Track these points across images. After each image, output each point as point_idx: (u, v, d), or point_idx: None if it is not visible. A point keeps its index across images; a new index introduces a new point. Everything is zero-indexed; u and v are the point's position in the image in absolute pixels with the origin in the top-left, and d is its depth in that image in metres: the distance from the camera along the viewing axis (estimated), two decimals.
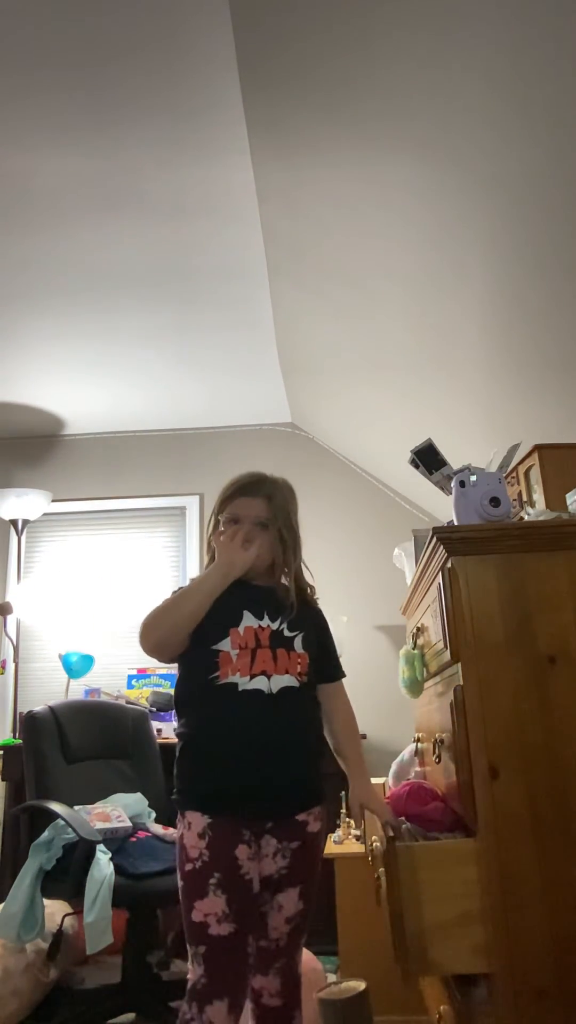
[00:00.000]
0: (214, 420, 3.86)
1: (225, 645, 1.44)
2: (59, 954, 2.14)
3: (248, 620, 1.47)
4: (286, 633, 1.49)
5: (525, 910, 1.18)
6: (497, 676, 1.29)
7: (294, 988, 1.44)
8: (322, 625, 1.60)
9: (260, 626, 1.47)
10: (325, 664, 1.56)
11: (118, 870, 1.96)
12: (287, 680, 1.43)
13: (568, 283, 1.70)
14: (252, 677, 1.41)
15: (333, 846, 2.37)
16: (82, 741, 2.39)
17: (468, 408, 2.63)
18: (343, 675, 1.62)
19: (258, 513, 1.54)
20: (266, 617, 1.49)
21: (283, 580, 1.57)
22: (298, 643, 1.49)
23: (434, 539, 1.42)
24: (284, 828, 1.40)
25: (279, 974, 1.42)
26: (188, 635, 1.47)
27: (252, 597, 1.51)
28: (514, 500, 1.80)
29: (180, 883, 1.36)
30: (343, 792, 2.66)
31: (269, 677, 1.42)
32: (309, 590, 1.60)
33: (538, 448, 1.74)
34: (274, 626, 1.48)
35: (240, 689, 1.40)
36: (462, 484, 1.44)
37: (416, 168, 1.75)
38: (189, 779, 1.43)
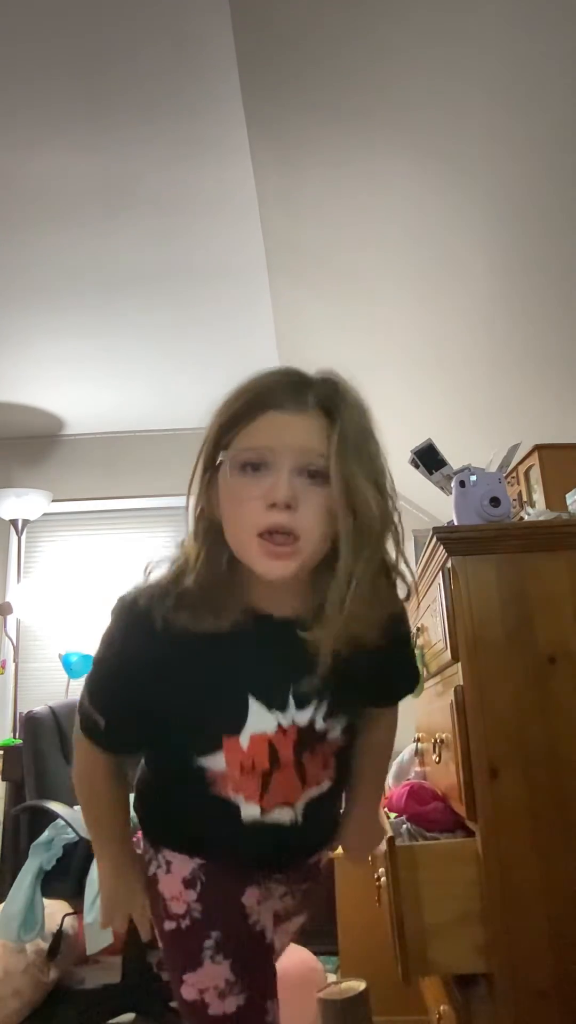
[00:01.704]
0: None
1: (216, 762, 0.88)
2: (59, 954, 2.14)
3: (257, 718, 0.87)
4: (319, 726, 0.90)
5: (525, 910, 1.18)
6: (497, 676, 1.29)
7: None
8: (394, 646, 0.91)
9: (280, 727, 0.87)
10: (381, 695, 1.02)
11: None
12: (316, 789, 0.93)
13: (568, 283, 1.70)
14: (266, 810, 0.90)
15: None
16: None
17: (468, 408, 2.63)
18: (410, 690, 1.05)
19: (303, 446, 0.79)
20: (291, 704, 0.87)
21: (354, 613, 0.80)
22: (335, 733, 0.92)
23: (434, 539, 1.41)
24: (295, 873, 1.01)
25: None
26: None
27: (266, 655, 0.86)
28: (514, 500, 1.80)
29: (160, 944, 0.95)
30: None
31: (293, 804, 0.91)
32: (400, 603, 0.92)
33: (538, 448, 1.73)
34: (302, 719, 0.88)
35: (245, 816, 0.89)
36: (462, 484, 1.44)
37: (416, 168, 1.75)
38: (163, 817, 0.98)
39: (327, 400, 0.83)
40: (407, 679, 1.05)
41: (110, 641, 0.89)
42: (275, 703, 0.87)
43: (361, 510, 0.78)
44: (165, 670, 0.85)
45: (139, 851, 0.99)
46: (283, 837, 0.91)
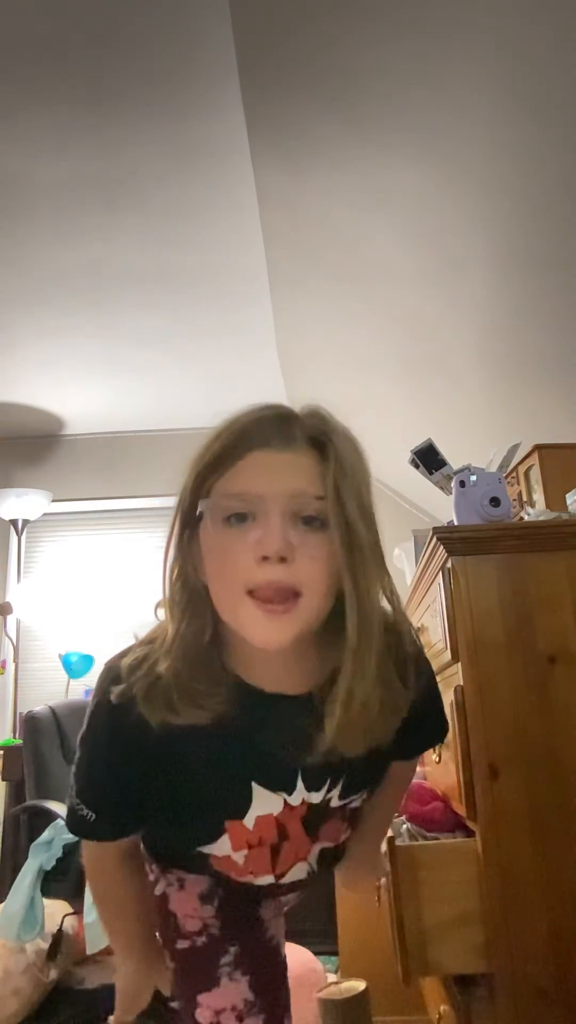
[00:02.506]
0: (214, 420, 3.83)
1: (221, 848, 0.82)
2: (59, 954, 2.14)
3: (262, 802, 0.79)
4: (334, 803, 0.83)
5: (525, 910, 1.18)
6: (497, 676, 1.29)
7: None
8: (421, 702, 0.81)
9: (288, 804, 0.80)
10: (407, 747, 0.88)
11: None
12: (333, 842, 0.89)
13: (568, 282, 1.70)
14: (281, 876, 0.86)
15: None
16: None
17: (468, 408, 2.63)
18: (433, 745, 1.01)
19: (295, 491, 0.68)
20: (300, 786, 0.80)
21: (357, 673, 0.69)
22: (354, 805, 0.87)
23: (434, 539, 1.41)
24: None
25: None
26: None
27: (267, 738, 0.76)
28: (514, 500, 1.80)
29: (169, 962, 0.88)
30: None
31: (307, 858, 0.87)
32: (413, 642, 0.79)
33: (538, 448, 1.74)
34: (313, 799, 0.81)
35: (264, 888, 0.87)
36: (462, 484, 1.44)
37: (416, 168, 1.75)
38: (172, 861, 0.93)
39: (317, 433, 0.71)
40: (438, 734, 0.96)
41: (93, 734, 0.79)
42: (281, 786, 0.79)
43: (362, 549, 0.68)
44: (155, 765, 0.76)
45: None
46: (302, 885, 0.91)
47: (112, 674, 0.75)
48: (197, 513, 0.70)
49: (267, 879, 0.85)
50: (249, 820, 0.79)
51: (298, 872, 0.86)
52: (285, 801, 0.80)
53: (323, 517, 0.67)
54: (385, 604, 0.72)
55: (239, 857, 0.82)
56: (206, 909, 0.86)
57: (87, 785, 0.82)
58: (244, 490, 0.68)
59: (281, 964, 0.89)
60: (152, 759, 0.76)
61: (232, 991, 0.82)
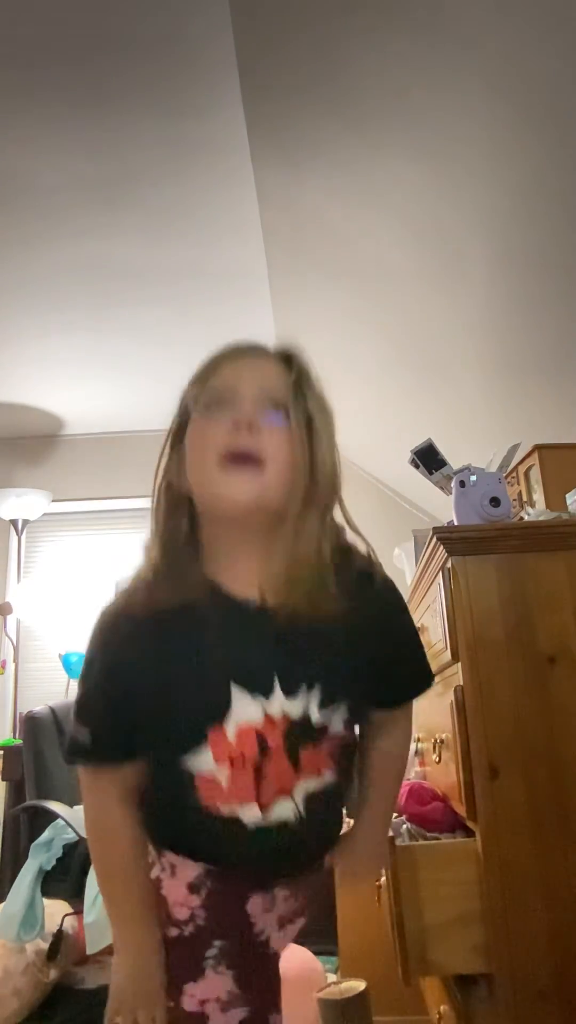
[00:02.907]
0: None
1: (203, 762, 0.82)
2: (59, 954, 2.14)
3: (242, 706, 0.82)
4: (315, 719, 0.84)
5: (525, 910, 1.18)
6: (497, 676, 1.29)
7: None
8: (388, 628, 0.91)
9: (267, 716, 0.82)
10: (388, 687, 0.94)
11: None
12: (317, 782, 0.87)
13: (568, 282, 1.70)
14: (265, 807, 0.83)
15: None
16: None
17: (468, 408, 2.63)
18: (423, 688, 0.98)
19: (263, 386, 0.81)
20: (277, 690, 0.82)
21: (298, 549, 0.80)
22: (337, 724, 0.87)
23: (434, 539, 1.41)
24: (296, 888, 0.95)
25: None
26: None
27: (242, 639, 0.83)
28: (514, 500, 1.80)
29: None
30: None
31: (292, 792, 0.85)
32: (365, 559, 0.88)
33: (538, 448, 1.73)
34: (293, 710, 0.83)
35: (249, 825, 0.84)
36: (462, 484, 1.44)
37: (416, 168, 1.75)
38: (167, 829, 0.90)
39: (286, 350, 0.86)
40: (421, 678, 0.97)
41: (90, 658, 0.87)
42: (258, 688, 0.81)
43: (322, 453, 0.81)
44: (142, 663, 0.83)
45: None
46: (292, 838, 0.86)
47: (104, 607, 0.86)
48: (185, 414, 0.84)
49: (253, 812, 0.83)
50: (230, 729, 0.81)
51: (284, 810, 0.84)
52: (265, 711, 0.82)
53: (287, 406, 0.80)
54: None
55: (223, 776, 0.82)
56: (193, 899, 0.87)
57: (84, 702, 0.87)
58: (221, 384, 0.82)
59: (270, 962, 0.90)
60: (137, 657, 0.82)
61: (217, 983, 0.84)
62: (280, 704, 0.82)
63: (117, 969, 0.87)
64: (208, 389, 0.83)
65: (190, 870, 0.87)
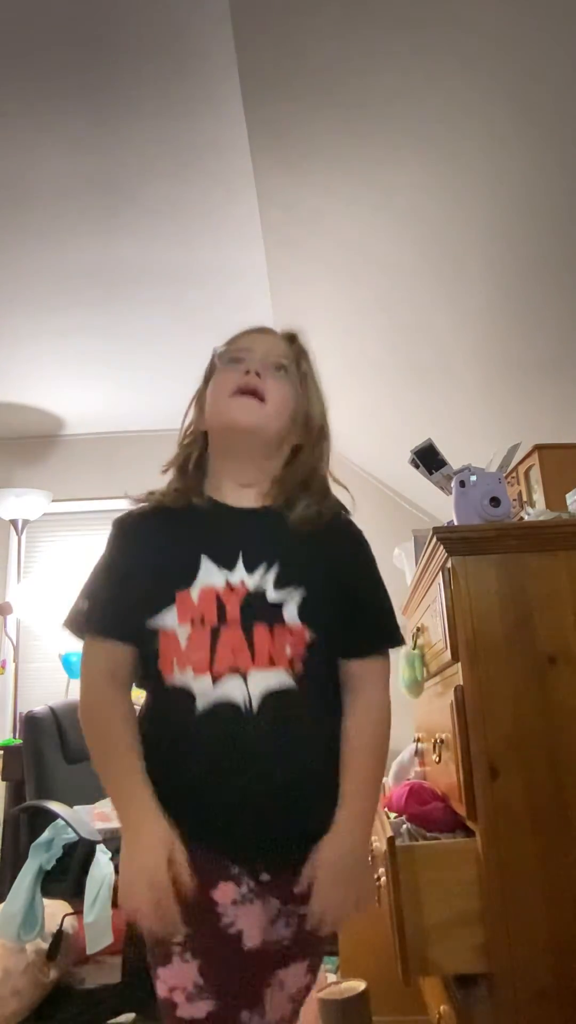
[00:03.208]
0: None
1: (169, 619, 0.91)
2: (59, 954, 2.14)
3: (208, 574, 0.93)
4: (270, 595, 0.93)
5: (525, 910, 1.18)
6: (497, 676, 1.29)
7: None
8: (349, 566, 1.01)
9: (228, 584, 0.92)
10: (354, 627, 0.98)
11: (118, 870, 1.96)
12: (275, 678, 0.90)
13: (568, 282, 1.70)
14: (217, 679, 0.89)
15: None
16: (82, 741, 2.36)
17: (468, 408, 2.63)
18: (389, 642, 1.01)
19: (270, 350, 1.03)
20: (239, 565, 0.93)
21: (292, 476, 1.01)
22: (290, 612, 0.93)
23: (434, 539, 1.42)
24: (285, 883, 0.92)
25: None
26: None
27: (218, 527, 0.97)
28: (514, 500, 1.80)
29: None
30: None
31: (245, 677, 0.90)
32: (324, 495, 1.02)
33: (538, 448, 1.73)
34: (251, 581, 0.93)
35: (199, 704, 0.89)
36: (462, 484, 1.44)
37: (416, 168, 1.75)
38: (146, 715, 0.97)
39: (291, 331, 1.10)
40: (385, 632, 1.02)
41: (104, 550, 1.04)
42: (224, 560, 0.94)
43: (312, 404, 1.04)
44: (139, 547, 1.00)
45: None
46: (238, 728, 0.88)
47: (121, 513, 1.06)
48: (210, 372, 1.07)
49: (204, 682, 0.89)
50: (195, 592, 0.92)
51: (232, 688, 0.89)
52: (227, 580, 0.93)
53: (287, 365, 1.03)
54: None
55: (183, 637, 0.91)
56: None
57: (90, 579, 1.03)
58: (240, 345, 1.06)
59: (245, 955, 0.86)
60: (137, 546, 1.00)
61: (183, 971, 0.84)
62: (240, 576, 0.94)
63: (134, 827, 0.89)
64: (229, 350, 1.05)
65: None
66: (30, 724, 2.32)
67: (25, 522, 3.61)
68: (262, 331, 1.09)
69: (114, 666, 0.97)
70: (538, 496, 1.70)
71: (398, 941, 1.21)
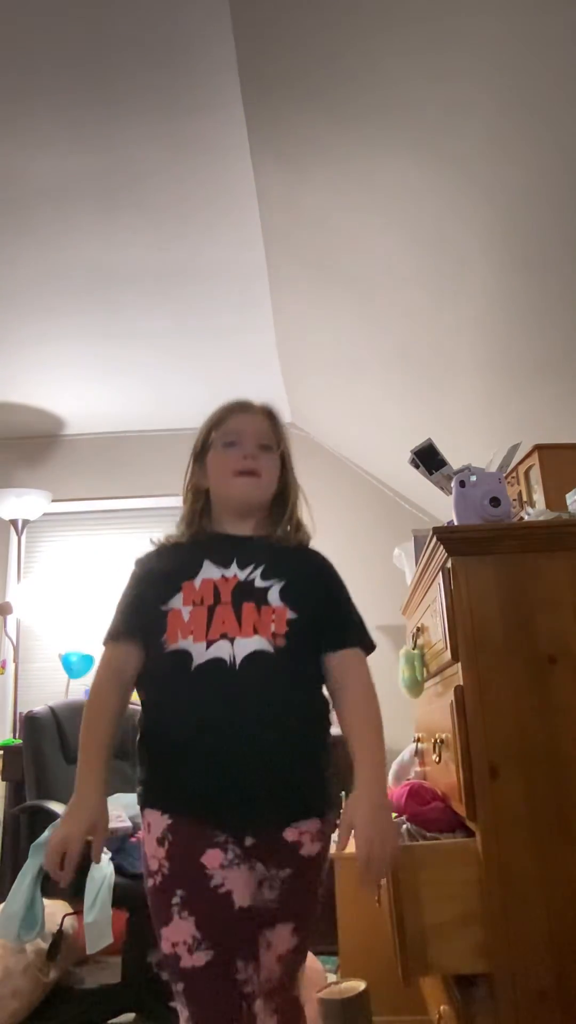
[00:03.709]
0: None
1: (176, 602, 1.15)
2: (59, 954, 2.14)
3: (208, 571, 1.17)
4: (258, 583, 1.16)
5: (525, 910, 1.18)
6: (497, 676, 1.29)
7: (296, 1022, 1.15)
8: (322, 573, 1.25)
9: (223, 576, 1.16)
10: (328, 625, 1.19)
11: (118, 870, 1.96)
12: (256, 643, 1.10)
13: (568, 282, 1.70)
14: (210, 644, 1.10)
15: (333, 846, 2.37)
16: None
17: (468, 408, 2.63)
18: (360, 642, 1.21)
19: (260, 430, 1.25)
20: (234, 565, 1.18)
21: (280, 523, 1.28)
22: (274, 595, 1.15)
23: (434, 539, 1.42)
24: (269, 849, 1.08)
25: (275, 1014, 1.10)
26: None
27: (219, 545, 1.22)
28: (514, 500, 1.80)
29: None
30: (343, 792, 2.66)
31: (232, 641, 1.10)
32: (302, 531, 1.29)
33: (538, 448, 1.74)
34: (242, 575, 1.17)
35: (195, 661, 1.10)
36: (462, 484, 1.44)
37: (416, 168, 1.75)
38: (146, 769, 1.14)
39: (269, 409, 1.31)
40: (355, 631, 1.23)
41: (127, 580, 1.27)
42: (222, 563, 1.19)
43: (288, 465, 1.29)
44: (156, 567, 1.24)
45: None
46: (224, 679, 1.09)
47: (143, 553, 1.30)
48: (207, 445, 1.28)
49: (199, 647, 1.11)
50: (197, 582, 1.17)
51: (220, 649, 1.10)
52: (223, 574, 1.18)
53: (272, 445, 1.26)
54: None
55: (187, 613, 1.14)
56: (160, 851, 1.05)
57: (120, 601, 1.25)
58: (233, 429, 1.26)
59: (236, 913, 1.01)
60: (152, 564, 1.25)
61: (182, 927, 1.00)
62: (234, 571, 1.18)
63: (77, 791, 1.12)
64: (223, 433, 1.26)
65: (159, 824, 1.06)
66: (30, 724, 2.32)
67: (25, 522, 3.61)
68: (245, 410, 1.29)
69: (122, 664, 1.19)
70: (538, 496, 1.70)
71: (398, 941, 1.21)
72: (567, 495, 1.54)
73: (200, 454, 1.29)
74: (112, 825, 2.09)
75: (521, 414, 2.33)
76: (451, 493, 1.48)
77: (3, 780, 2.95)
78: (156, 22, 1.65)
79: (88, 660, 3.35)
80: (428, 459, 1.65)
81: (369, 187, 1.93)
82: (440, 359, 2.47)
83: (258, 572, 1.17)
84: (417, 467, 1.67)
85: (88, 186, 2.15)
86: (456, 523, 1.44)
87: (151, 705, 1.17)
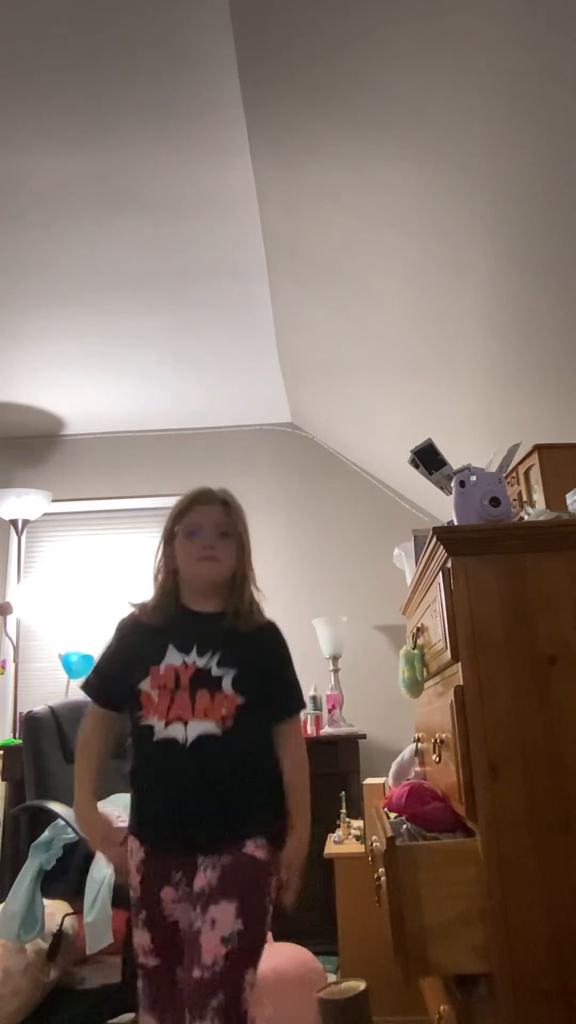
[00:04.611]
0: (214, 420, 3.86)
1: (146, 684, 1.37)
2: (59, 954, 2.14)
3: (171, 656, 1.37)
4: (214, 671, 1.36)
5: (525, 910, 1.18)
6: (497, 676, 1.29)
7: None
8: (272, 653, 1.45)
9: (184, 663, 1.36)
10: (275, 700, 1.43)
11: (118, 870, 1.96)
12: (205, 727, 1.32)
13: (568, 282, 1.70)
14: (168, 723, 1.33)
15: (333, 846, 2.37)
16: None
17: (468, 408, 2.63)
18: (298, 708, 1.47)
19: (218, 520, 1.44)
20: (194, 651, 1.37)
21: (238, 599, 1.45)
22: (227, 683, 1.35)
23: (434, 539, 1.42)
24: (216, 854, 1.31)
25: (219, 1018, 1.15)
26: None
27: (183, 628, 1.41)
28: (514, 500, 1.80)
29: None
30: (342, 792, 2.67)
31: (186, 724, 1.32)
32: (255, 609, 1.46)
33: (538, 448, 1.73)
34: (200, 663, 1.36)
35: (156, 736, 1.34)
36: (462, 484, 1.44)
37: (416, 167, 1.75)
38: (132, 803, 1.42)
39: (225, 498, 1.48)
40: (293, 702, 1.47)
41: (109, 640, 1.49)
42: (183, 649, 1.39)
43: (245, 547, 1.46)
44: (131, 641, 1.45)
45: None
46: (176, 757, 1.32)
47: (122, 617, 1.50)
48: (173, 533, 1.46)
49: (160, 724, 1.34)
50: (162, 667, 1.37)
51: (175, 731, 1.33)
52: (184, 660, 1.37)
53: (230, 532, 1.45)
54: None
55: (155, 695, 1.36)
56: (136, 876, 1.36)
57: (98, 661, 1.50)
58: (193, 521, 1.45)
59: (176, 934, 1.31)
60: (131, 639, 1.46)
61: (143, 936, 1.34)
62: (194, 658, 1.38)
63: (77, 808, 1.43)
64: (186, 524, 1.45)
65: (137, 854, 1.37)
66: (30, 724, 2.32)
67: (25, 522, 3.61)
68: (205, 501, 1.47)
69: (103, 717, 1.47)
70: (538, 496, 1.70)
71: (398, 941, 1.21)
72: (567, 495, 1.54)
73: (168, 539, 1.48)
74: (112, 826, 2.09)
75: (521, 414, 2.33)
76: (451, 493, 1.48)
77: (3, 780, 2.96)
78: (156, 23, 1.65)
79: (88, 660, 3.35)
80: (428, 459, 1.65)
81: (369, 187, 1.93)
82: (440, 359, 2.47)
83: (214, 660, 1.38)
84: (417, 467, 1.67)
85: (88, 186, 2.15)
86: (456, 523, 1.43)
87: (133, 759, 1.41)
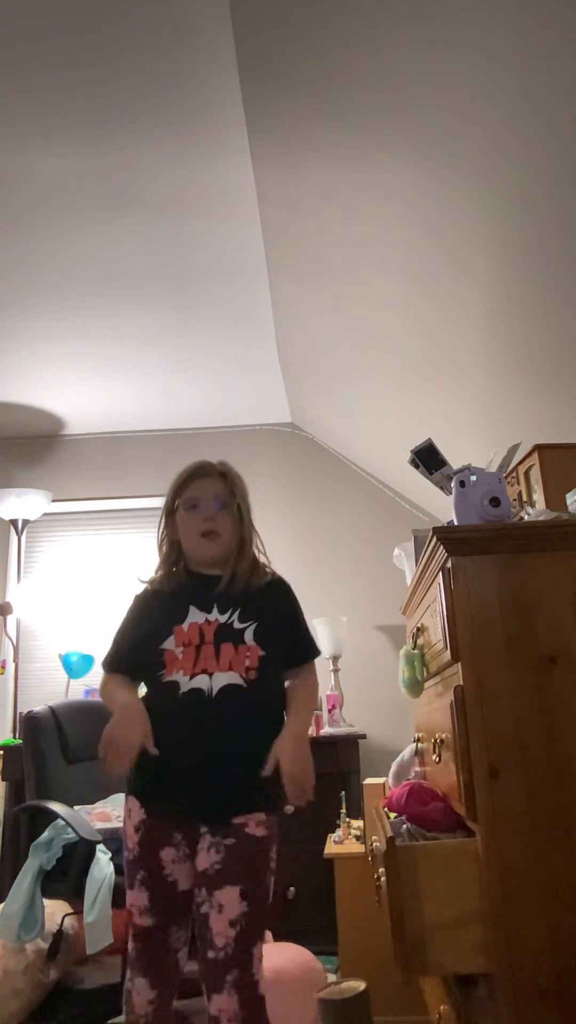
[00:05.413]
0: (214, 420, 3.86)
1: (170, 643, 1.43)
2: (59, 954, 2.14)
3: (194, 615, 1.44)
4: (236, 625, 1.44)
5: (525, 910, 1.18)
6: (497, 676, 1.29)
7: (256, 1009, 1.27)
8: (285, 606, 1.54)
9: (207, 620, 1.44)
10: (292, 648, 1.51)
11: (118, 870, 1.96)
12: (230, 677, 1.39)
13: (568, 282, 1.70)
14: (193, 676, 1.39)
15: (333, 846, 2.37)
16: (82, 741, 2.39)
17: (468, 408, 2.63)
18: (315, 655, 1.56)
19: (217, 492, 1.50)
20: (215, 609, 1.45)
21: (239, 564, 1.51)
22: (249, 635, 1.43)
23: (434, 539, 1.42)
24: (218, 828, 1.36)
25: (235, 990, 1.26)
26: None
27: (202, 589, 1.48)
28: (514, 500, 1.80)
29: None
30: (343, 792, 2.67)
31: (211, 675, 1.39)
32: (264, 568, 1.54)
33: (538, 448, 1.74)
34: (223, 619, 1.44)
35: (181, 689, 1.39)
36: (462, 484, 1.44)
37: (416, 167, 1.75)
38: (135, 767, 1.38)
39: (223, 470, 1.54)
40: (305, 648, 1.55)
41: (126, 613, 1.56)
42: (205, 608, 1.46)
43: (243, 516, 1.52)
44: (152, 606, 1.52)
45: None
46: (202, 706, 1.37)
47: (137, 591, 1.58)
48: (174, 508, 1.54)
49: (185, 678, 1.39)
50: (185, 625, 1.44)
51: (200, 681, 1.39)
52: (206, 617, 1.44)
53: (228, 502, 1.51)
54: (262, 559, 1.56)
55: (179, 652, 1.42)
56: (135, 837, 1.40)
57: (117, 632, 1.55)
58: (195, 495, 1.52)
59: (177, 894, 1.37)
60: (149, 607, 1.53)
61: (138, 896, 1.38)
62: (216, 615, 1.45)
63: (118, 711, 1.38)
64: (185, 499, 1.52)
65: (136, 815, 1.40)
66: (30, 724, 2.32)
67: (25, 522, 3.61)
68: (203, 474, 1.53)
69: (119, 676, 1.51)
70: (538, 496, 1.70)
71: (398, 941, 1.21)
72: (567, 495, 1.54)
73: (170, 513, 1.55)
74: (112, 825, 2.09)
75: (521, 414, 2.33)
76: (451, 493, 1.48)
77: (3, 780, 2.96)
78: (156, 22, 1.65)
79: (88, 660, 3.35)
80: (428, 459, 1.65)
81: (369, 187, 1.93)
82: (440, 359, 2.47)
83: (236, 615, 1.45)
84: (417, 467, 1.67)
85: (88, 186, 2.15)
86: (456, 523, 1.43)
87: (153, 713, 1.40)
